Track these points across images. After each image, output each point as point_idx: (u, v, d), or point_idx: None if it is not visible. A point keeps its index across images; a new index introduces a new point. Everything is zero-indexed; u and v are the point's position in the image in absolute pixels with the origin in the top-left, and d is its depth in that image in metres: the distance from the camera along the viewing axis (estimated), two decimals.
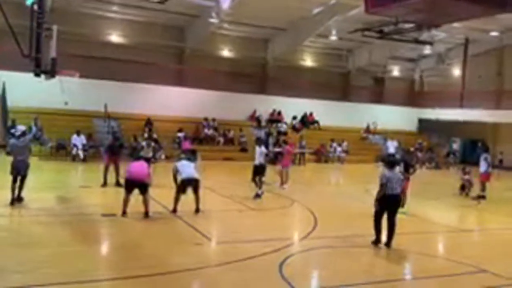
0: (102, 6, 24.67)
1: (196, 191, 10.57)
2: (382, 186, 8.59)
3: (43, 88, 15.91)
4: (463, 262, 8.07)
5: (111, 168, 13.86)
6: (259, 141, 14.44)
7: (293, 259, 7.87)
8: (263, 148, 13.80)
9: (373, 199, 8.94)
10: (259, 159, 13.52)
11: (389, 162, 9.26)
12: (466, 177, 16.11)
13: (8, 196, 10.40)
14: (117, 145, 14.47)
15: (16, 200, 10.55)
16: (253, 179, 13.46)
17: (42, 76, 11.29)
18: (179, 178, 10.53)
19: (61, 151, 20.72)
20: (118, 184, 13.43)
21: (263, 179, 13.53)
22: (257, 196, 13.19)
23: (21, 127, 12.76)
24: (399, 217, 8.87)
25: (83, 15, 24.87)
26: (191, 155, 11.66)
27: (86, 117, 22.48)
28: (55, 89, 13.52)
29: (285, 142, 17.08)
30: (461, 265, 7.95)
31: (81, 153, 20.19)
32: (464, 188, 16.01)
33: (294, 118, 28.64)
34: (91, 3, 24.01)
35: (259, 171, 13.43)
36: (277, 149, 21.85)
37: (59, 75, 11.30)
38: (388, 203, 8.66)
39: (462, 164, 23.50)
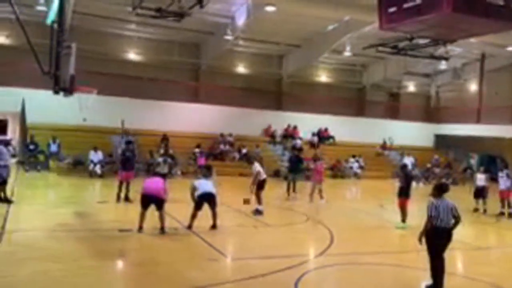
0: (120, 25, 25.11)
1: (213, 206, 10.59)
2: (430, 218, 7.15)
3: (62, 105, 16.24)
4: (480, 280, 7.95)
5: (125, 184, 13.91)
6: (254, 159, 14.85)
7: (310, 276, 7.83)
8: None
9: (388, 214, 8.78)
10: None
11: (436, 188, 7.49)
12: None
13: (29, 210, 10.49)
14: (130, 156, 14.21)
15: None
16: (257, 194, 13.21)
17: (61, 93, 11.50)
18: (196, 195, 10.54)
19: (79, 167, 20.97)
20: (127, 199, 13.60)
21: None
22: (258, 211, 12.97)
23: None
24: (400, 232, 8.51)
25: (101, 34, 25.37)
26: (207, 171, 11.69)
27: (104, 134, 22.72)
28: (73, 106, 13.75)
29: (318, 159, 16.70)
30: (478, 283, 7.84)
31: (98, 169, 20.39)
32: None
33: (314, 134, 28.60)
34: (110, 22, 24.46)
35: (263, 186, 13.25)
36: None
37: (77, 92, 11.50)
38: (438, 238, 7.18)
39: None
